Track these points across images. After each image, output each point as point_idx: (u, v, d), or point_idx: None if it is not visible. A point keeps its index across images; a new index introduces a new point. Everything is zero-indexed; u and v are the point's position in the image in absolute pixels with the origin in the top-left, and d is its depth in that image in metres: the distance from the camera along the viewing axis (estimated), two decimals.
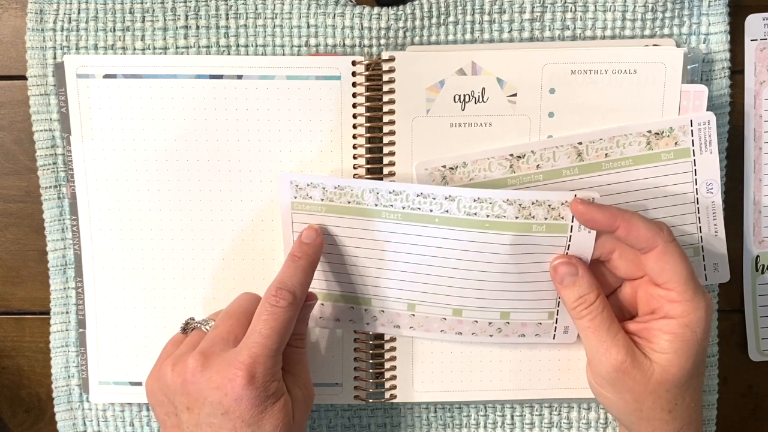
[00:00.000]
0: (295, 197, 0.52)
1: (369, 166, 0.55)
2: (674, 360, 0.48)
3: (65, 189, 0.56)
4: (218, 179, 0.55)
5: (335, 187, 0.52)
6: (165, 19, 0.55)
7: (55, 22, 0.55)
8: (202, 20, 0.55)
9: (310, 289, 0.51)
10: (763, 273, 0.58)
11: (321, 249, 0.52)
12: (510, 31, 0.55)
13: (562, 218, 0.50)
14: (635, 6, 0.54)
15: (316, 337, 0.57)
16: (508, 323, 0.55)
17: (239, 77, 0.54)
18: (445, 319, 0.55)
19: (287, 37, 0.55)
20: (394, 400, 0.57)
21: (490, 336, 0.55)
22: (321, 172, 0.55)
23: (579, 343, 0.53)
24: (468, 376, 0.57)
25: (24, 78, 0.56)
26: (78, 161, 0.55)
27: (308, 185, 0.52)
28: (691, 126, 0.53)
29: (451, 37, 0.55)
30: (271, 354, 0.48)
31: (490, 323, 0.55)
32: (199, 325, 0.52)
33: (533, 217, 0.50)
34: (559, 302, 0.54)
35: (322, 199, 0.52)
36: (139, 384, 0.57)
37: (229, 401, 0.46)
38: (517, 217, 0.50)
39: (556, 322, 0.55)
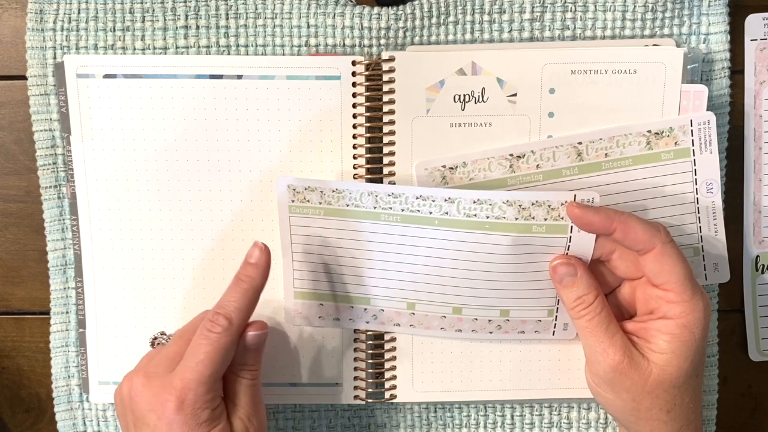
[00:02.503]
0: (293, 201, 0.52)
1: (369, 166, 0.55)
2: (672, 360, 0.48)
3: (65, 189, 0.56)
4: (218, 179, 0.55)
5: (333, 191, 0.52)
6: (165, 19, 0.55)
7: (55, 22, 0.55)
8: (202, 20, 0.55)
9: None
10: (763, 273, 0.58)
11: (268, 270, 0.50)
12: (510, 31, 0.55)
13: (562, 219, 0.50)
14: (635, 6, 0.54)
15: (317, 337, 0.57)
16: (508, 320, 0.55)
17: (239, 77, 0.54)
18: (444, 317, 0.55)
19: (287, 37, 0.55)
20: (394, 400, 0.57)
21: (490, 333, 0.55)
22: (321, 172, 0.55)
23: (579, 343, 0.53)
24: (468, 376, 0.57)
25: (24, 78, 0.56)
26: (78, 161, 0.55)
27: (306, 189, 0.52)
28: (691, 126, 0.53)
29: (451, 37, 0.55)
30: (203, 380, 0.47)
31: (489, 321, 0.55)
32: (164, 340, 0.53)
33: (533, 217, 0.50)
34: (558, 300, 0.54)
35: (320, 203, 0.52)
36: None
37: (162, 425, 0.47)
38: (516, 218, 0.50)
39: (556, 320, 0.55)
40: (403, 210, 0.51)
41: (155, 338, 0.54)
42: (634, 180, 0.54)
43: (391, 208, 0.51)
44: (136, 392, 0.48)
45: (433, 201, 0.51)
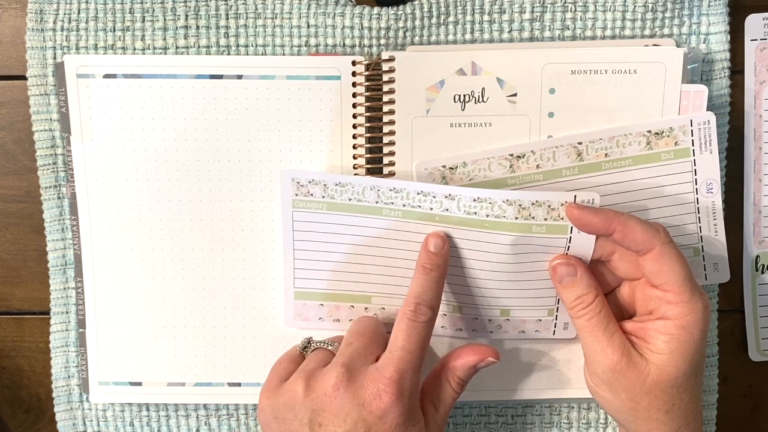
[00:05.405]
0: (296, 194, 0.52)
1: (369, 166, 0.55)
2: (671, 361, 0.48)
3: (65, 189, 0.56)
4: (218, 179, 0.55)
5: (336, 184, 0.52)
6: (165, 19, 0.55)
7: (55, 22, 0.55)
8: (202, 20, 0.55)
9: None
10: (763, 273, 0.58)
11: (449, 257, 0.51)
12: (510, 31, 0.55)
13: (562, 219, 0.50)
14: (635, 6, 0.54)
15: (316, 338, 0.56)
16: (508, 320, 0.55)
17: (239, 77, 0.54)
18: (445, 315, 0.55)
19: (287, 37, 0.55)
20: None
21: (490, 332, 0.55)
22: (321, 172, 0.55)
23: (579, 343, 0.53)
24: None
25: (24, 78, 0.56)
26: (78, 161, 0.55)
27: (309, 182, 0.52)
28: (691, 126, 0.53)
29: (451, 37, 0.55)
30: (416, 369, 0.47)
31: (490, 320, 0.55)
32: (324, 344, 0.51)
33: (533, 217, 0.50)
34: (558, 299, 0.54)
35: (323, 197, 0.52)
36: (139, 384, 0.57)
37: (373, 418, 0.46)
38: (516, 218, 0.50)
39: (556, 319, 0.55)
40: (404, 205, 0.51)
41: (309, 342, 0.52)
42: (634, 180, 0.54)
43: (392, 203, 0.51)
44: (336, 387, 0.46)
45: (434, 197, 0.51)
